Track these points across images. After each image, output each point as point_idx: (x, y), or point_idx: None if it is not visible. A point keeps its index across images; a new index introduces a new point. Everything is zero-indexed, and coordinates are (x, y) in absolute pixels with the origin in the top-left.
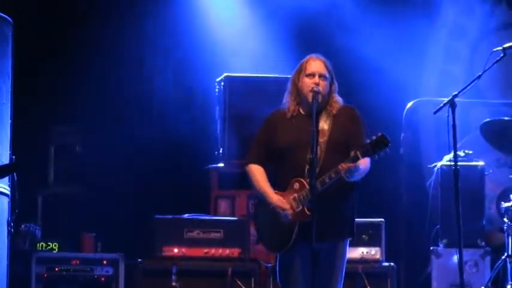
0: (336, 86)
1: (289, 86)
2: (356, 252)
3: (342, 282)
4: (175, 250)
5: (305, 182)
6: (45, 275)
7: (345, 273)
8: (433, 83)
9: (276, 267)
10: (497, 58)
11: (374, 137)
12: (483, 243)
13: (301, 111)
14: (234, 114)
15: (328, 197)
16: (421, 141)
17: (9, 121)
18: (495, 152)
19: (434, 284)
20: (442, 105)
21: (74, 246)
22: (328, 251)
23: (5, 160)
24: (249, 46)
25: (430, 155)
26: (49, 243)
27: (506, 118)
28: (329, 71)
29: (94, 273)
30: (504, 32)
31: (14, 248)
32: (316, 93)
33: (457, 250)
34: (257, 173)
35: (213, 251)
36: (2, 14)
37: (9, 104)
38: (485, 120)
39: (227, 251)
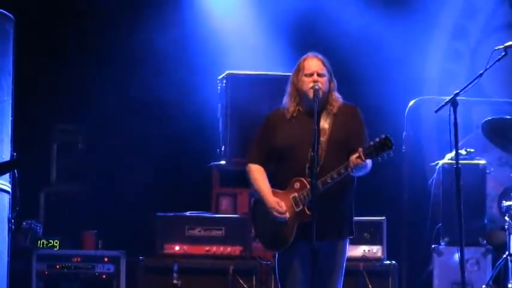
0: (334, 83)
1: (288, 87)
2: (357, 250)
3: (342, 281)
4: (177, 248)
5: (306, 182)
6: (46, 272)
7: (347, 271)
8: (435, 81)
9: (275, 265)
10: (499, 56)
11: (377, 139)
12: (484, 241)
13: (301, 110)
14: (236, 111)
15: (328, 197)
16: (423, 140)
17: (10, 118)
18: (497, 151)
19: (435, 282)
20: (443, 103)
21: (75, 244)
22: (328, 250)
23: (6, 157)
24: (249, 43)
25: (432, 154)
26: (50, 240)
27: (508, 117)
28: (327, 69)
29: (95, 271)
30: (507, 31)
31: (15, 245)
32: (317, 90)
33: (459, 248)
34: (256, 173)
35: (214, 248)
36: (3, 11)
37: (11, 102)
38: (487, 119)
39: (228, 249)
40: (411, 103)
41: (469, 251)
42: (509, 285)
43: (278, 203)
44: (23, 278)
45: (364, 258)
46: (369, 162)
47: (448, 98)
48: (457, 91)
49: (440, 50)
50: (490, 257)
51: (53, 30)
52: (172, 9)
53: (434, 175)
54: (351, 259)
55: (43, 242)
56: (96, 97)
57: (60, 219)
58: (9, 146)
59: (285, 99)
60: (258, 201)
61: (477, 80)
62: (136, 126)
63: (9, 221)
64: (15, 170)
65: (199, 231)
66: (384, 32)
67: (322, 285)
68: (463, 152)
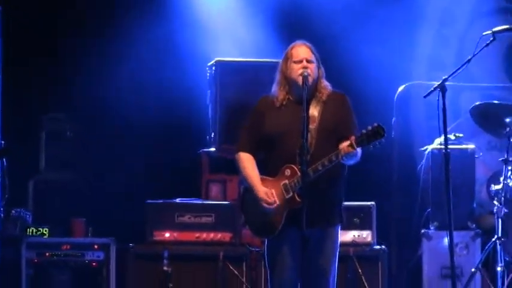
0: (322, 70)
1: (277, 75)
2: (347, 236)
3: (336, 267)
4: (167, 235)
5: (296, 169)
6: (36, 260)
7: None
8: (424, 66)
9: (264, 252)
10: (487, 42)
11: (369, 127)
12: (473, 225)
13: (290, 98)
14: (225, 98)
15: (319, 184)
16: (412, 125)
17: None
18: (486, 135)
19: (425, 266)
20: (432, 89)
21: (65, 232)
22: (318, 237)
23: None
24: (238, 32)
25: (421, 139)
26: (39, 228)
27: (496, 101)
28: (315, 56)
29: (85, 258)
30: (495, 16)
31: (4, 233)
32: (306, 76)
33: (448, 233)
34: (246, 161)
35: (204, 235)
36: None
37: None
38: (476, 104)
39: (218, 235)
40: (400, 89)
41: (458, 235)
42: (498, 269)
43: (267, 194)
44: (12, 266)
45: (354, 244)
46: (359, 150)
47: (436, 84)
48: (446, 76)
49: (429, 35)
50: (479, 240)
51: (41, 20)
52: (163, 2)
53: (423, 160)
54: (341, 244)
55: (32, 230)
56: (84, 85)
57: (50, 207)
58: None
59: (274, 88)
60: (248, 190)
61: (465, 65)
62: (125, 114)
63: None
64: (4, 159)
65: (189, 218)
66: (373, 18)
67: (315, 273)
68: (451, 137)
